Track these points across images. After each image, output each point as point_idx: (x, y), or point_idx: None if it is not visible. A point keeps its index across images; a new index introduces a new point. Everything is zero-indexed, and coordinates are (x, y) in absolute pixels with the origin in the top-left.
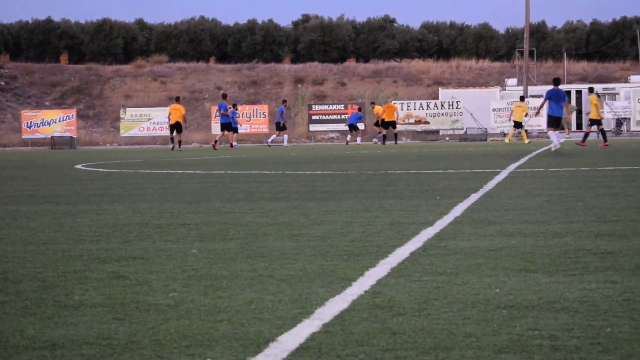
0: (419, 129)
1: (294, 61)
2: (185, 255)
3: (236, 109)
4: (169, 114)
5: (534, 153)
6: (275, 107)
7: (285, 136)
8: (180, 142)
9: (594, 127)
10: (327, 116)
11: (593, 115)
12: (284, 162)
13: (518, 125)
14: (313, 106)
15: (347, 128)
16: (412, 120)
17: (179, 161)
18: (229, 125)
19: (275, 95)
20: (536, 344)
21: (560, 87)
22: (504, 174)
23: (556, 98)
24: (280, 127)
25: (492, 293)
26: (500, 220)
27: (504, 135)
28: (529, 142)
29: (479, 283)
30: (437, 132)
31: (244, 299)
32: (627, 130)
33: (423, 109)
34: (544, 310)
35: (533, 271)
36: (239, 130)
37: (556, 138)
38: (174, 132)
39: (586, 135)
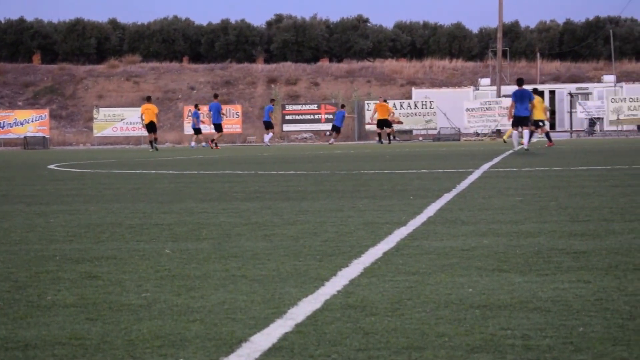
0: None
1: (267, 61)
2: (158, 256)
3: (198, 109)
4: (142, 114)
5: (507, 153)
6: (249, 107)
7: (269, 135)
8: (156, 140)
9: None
10: (300, 116)
11: (537, 116)
12: (258, 162)
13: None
14: (286, 106)
15: (323, 128)
16: None
17: (152, 161)
18: (220, 126)
19: (248, 95)
20: (509, 344)
21: (530, 87)
22: (477, 173)
23: (520, 99)
24: (269, 126)
25: (465, 293)
26: (473, 220)
27: (477, 135)
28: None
29: (451, 283)
30: (410, 132)
31: (216, 299)
32: (600, 130)
33: (396, 109)
34: (516, 309)
35: (506, 271)
36: (203, 131)
37: (517, 138)
38: (152, 132)
39: (547, 135)
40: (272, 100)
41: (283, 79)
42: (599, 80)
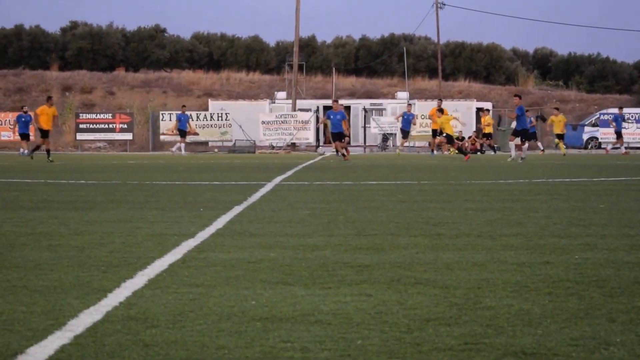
0: (188, 140)
1: (61, 68)
2: None
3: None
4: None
5: (301, 166)
6: None
7: (183, 144)
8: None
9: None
10: (95, 125)
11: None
12: (48, 171)
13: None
14: (81, 115)
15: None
16: None
17: None
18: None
19: (42, 102)
20: (287, 356)
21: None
22: (269, 186)
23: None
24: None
25: (247, 305)
26: (262, 233)
27: (273, 147)
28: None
29: (235, 295)
30: (206, 143)
31: None
32: (393, 145)
33: (192, 120)
34: (297, 322)
35: (290, 284)
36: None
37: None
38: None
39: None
40: (184, 106)
41: (78, 87)
42: (393, 97)
